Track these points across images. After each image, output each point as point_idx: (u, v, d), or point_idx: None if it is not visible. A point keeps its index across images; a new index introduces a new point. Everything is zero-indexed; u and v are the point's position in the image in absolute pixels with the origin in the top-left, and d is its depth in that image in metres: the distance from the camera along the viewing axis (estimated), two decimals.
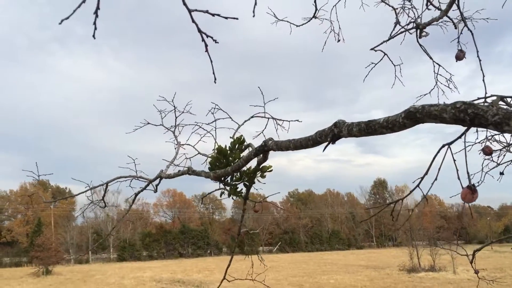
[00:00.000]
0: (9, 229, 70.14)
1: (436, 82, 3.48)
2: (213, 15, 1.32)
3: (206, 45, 1.36)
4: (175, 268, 48.22)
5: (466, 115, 1.26)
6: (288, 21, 4.59)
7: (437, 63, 3.43)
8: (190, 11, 1.27)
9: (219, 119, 4.07)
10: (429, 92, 3.50)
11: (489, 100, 2.04)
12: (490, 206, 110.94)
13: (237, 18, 1.36)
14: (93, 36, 1.11)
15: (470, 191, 1.66)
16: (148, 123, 5.07)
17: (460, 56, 3.11)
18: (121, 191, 65.49)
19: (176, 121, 4.91)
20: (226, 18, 1.33)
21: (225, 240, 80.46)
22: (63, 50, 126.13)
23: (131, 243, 69.93)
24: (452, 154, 1.81)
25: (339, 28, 3.99)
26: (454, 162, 1.83)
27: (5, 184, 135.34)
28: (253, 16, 1.72)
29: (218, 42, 1.38)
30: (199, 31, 1.34)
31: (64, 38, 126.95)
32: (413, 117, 1.47)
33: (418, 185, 1.84)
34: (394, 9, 3.56)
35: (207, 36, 1.36)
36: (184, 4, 1.23)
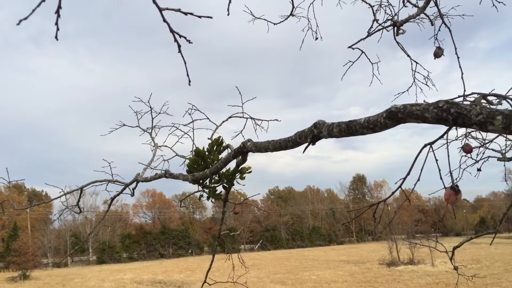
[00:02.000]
0: None
1: (414, 80, 3.48)
2: (185, 14, 1.25)
3: (179, 46, 1.30)
4: (156, 269, 47.80)
5: (449, 114, 1.23)
6: (265, 19, 4.54)
7: (415, 61, 3.44)
8: (160, 9, 1.20)
9: (196, 119, 4.00)
10: (407, 90, 3.50)
11: (469, 98, 2.03)
12: (466, 199, 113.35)
13: (211, 17, 1.30)
14: (56, 37, 1.04)
15: (454, 192, 1.64)
16: (124, 125, 4.95)
17: (438, 53, 3.11)
18: (99, 192, 64.72)
19: (152, 122, 4.82)
20: (200, 17, 1.26)
21: (206, 239, 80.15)
22: (38, 50, 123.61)
23: (111, 245, 69.01)
24: (434, 154, 1.78)
25: (317, 26, 3.97)
26: (436, 162, 1.80)
27: None
28: (228, 14, 1.66)
29: (191, 43, 1.32)
30: (171, 31, 1.27)
31: (39, 38, 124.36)
32: (394, 117, 1.43)
33: (400, 186, 1.81)
34: (371, 6, 3.55)
35: (180, 36, 1.30)
36: (154, 2, 1.16)
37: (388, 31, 3.48)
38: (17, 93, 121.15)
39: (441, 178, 1.76)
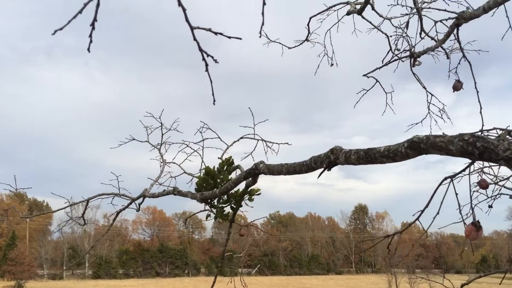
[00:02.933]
0: None
1: (429, 111, 3.48)
2: (216, 33, 1.26)
3: (206, 65, 1.30)
4: (152, 287, 47.21)
5: (474, 148, 1.22)
6: (280, 43, 4.58)
7: (430, 93, 3.44)
8: (192, 28, 1.21)
9: (207, 138, 3.99)
10: (421, 121, 3.49)
11: (490, 133, 2.02)
12: None
13: (240, 38, 1.31)
14: (88, 49, 1.04)
15: (475, 228, 1.61)
16: (134, 139, 4.96)
17: (457, 86, 3.12)
18: (100, 206, 64.50)
19: (162, 138, 4.81)
20: (230, 37, 1.27)
21: (204, 260, 79.30)
22: (48, 62, 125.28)
23: (107, 260, 68.40)
24: (454, 187, 1.76)
25: (333, 52, 4.00)
26: (456, 196, 1.77)
27: None
28: (260, 36, 1.67)
29: (218, 62, 1.33)
30: (200, 49, 1.28)
31: (51, 49, 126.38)
32: (416, 147, 1.42)
33: (417, 219, 1.78)
34: (388, 36, 3.58)
35: (208, 55, 1.31)
36: (187, 21, 1.17)
37: (403, 61, 3.50)
38: (24, 104, 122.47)
39: (460, 213, 1.73)
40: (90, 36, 1.00)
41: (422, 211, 1.73)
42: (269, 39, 4.71)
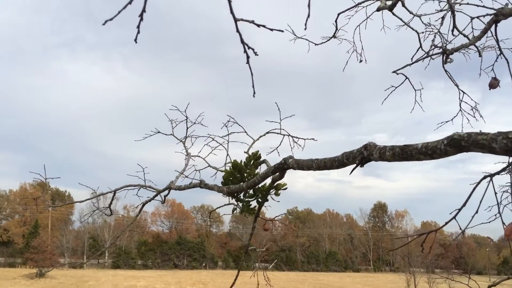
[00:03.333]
0: (6, 228, 69.79)
1: (460, 109, 3.41)
2: (258, 26, 1.27)
3: (248, 57, 1.30)
4: (169, 279, 47.76)
5: None
6: (307, 39, 4.54)
7: (462, 90, 3.37)
8: (236, 20, 1.21)
9: (233, 132, 4.00)
10: (451, 120, 3.43)
11: None
12: (489, 237, 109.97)
13: (282, 31, 1.31)
14: (135, 40, 1.05)
15: None
16: (159, 132, 5.00)
17: (494, 84, 3.05)
18: (120, 198, 65.36)
19: (187, 131, 4.84)
20: (272, 30, 1.27)
21: (221, 254, 79.80)
22: (72, 56, 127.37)
23: (127, 251, 69.42)
24: (493, 186, 1.72)
25: (362, 48, 3.95)
26: (496, 195, 1.74)
27: (5, 183, 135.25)
28: (305, 29, 1.66)
29: (258, 55, 1.33)
30: (242, 41, 1.28)
31: (74, 44, 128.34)
32: (457, 145, 1.39)
33: (454, 217, 1.74)
34: (418, 33, 3.52)
35: (249, 47, 1.31)
36: (232, 12, 1.18)
37: (433, 59, 3.44)
38: (45, 96, 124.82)
39: (499, 212, 1.69)
40: (138, 27, 1.01)
41: (460, 210, 1.70)
42: (295, 35, 4.68)
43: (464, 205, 1.68)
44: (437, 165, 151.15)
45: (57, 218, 74.40)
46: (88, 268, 63.12)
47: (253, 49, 1.29)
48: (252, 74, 1.34)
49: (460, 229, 1.77)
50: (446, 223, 1.71)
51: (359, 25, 3.89)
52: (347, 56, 4.90)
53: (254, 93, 1.36)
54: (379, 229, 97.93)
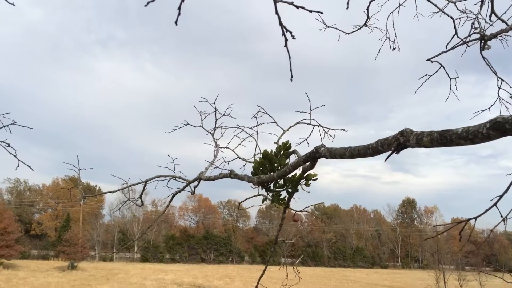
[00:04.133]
0: (39, 222, 71.91)
1: (498, 97, 3.30)
2: (297, 7, 1.25)
3: (286, 40, 1.29)
4: (197, 273, 48.30)
5: None
6: (337, 28, 4.47)
7: (500, 78, 3.25)
8: (275, 1, 1.20)
9: (263, 123, 3.99)
10: (488, 108, 3.32)
11: None
12: None
13: (321, 12, 1.29)
14: (176, 22, 1.06)
15: None
16: (188, 124, 5.03)
17: None
18: (148, 192, 66.34)
19: (216, 123, 4.85)
20: (311, 11, 1.26)
21: (248, 248, 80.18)
22: (104, 53, 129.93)
23: (155, 245, 70.55)
24: None
25: (395, 36, 3.85)
26: None
27: (38, 178, 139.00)
28: (347, 8, 1.63)
29: (295, 38, 1.32)
30: (280, 24, 1.27)
31: (106, 42, 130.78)
32: (501, 128, 1.34)
33: (495, 204, 1.69)
34: (453, 19, 3.41)
35: (287, 30, 1.30)
36: None
37: (469, 46, 3.33)
38: (80, 93, 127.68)
39: None
40: (179, 8, 1.01)
41: (501, 196, 1.63)
42: (325, 24, 4.61)
43: (506, 191, 1.62)
44: (468, 161, 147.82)
45: (88, 212, 76.19)
46: (118, 261, 64.46)
47: (290, 32, 1.28)
48: (290, 57, 1.32)
49: (501, 216, 1.70)
50: (486, 210, 1.65)
51: (392, 12, 3.80)
52: (374, 49, 4.81)
53: (292, 76, 1.35)
54: (408, 225, 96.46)
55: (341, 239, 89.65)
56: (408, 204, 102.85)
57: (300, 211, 3.86)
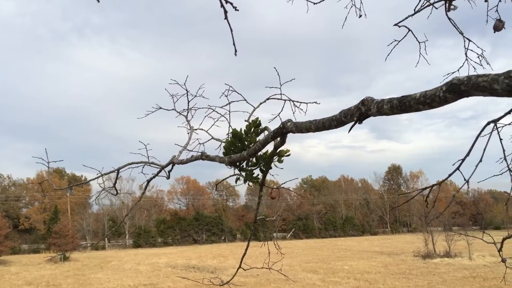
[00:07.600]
0: (27, 216, 71.31)
1: (466, 58, 3.25)
2: None
3: (225, 12, 1.20)
4: (190, 254, 48.63)
5: None
6: None
7: (467, 38, 3.20)
8: None
9: (233, 101, 3.90)
10: (458, 70, 3.28)
11: None
12: (506, 191, 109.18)
13: None
14: None
15: None
16: (160, 108, 4.92)
17: (498, 26, 2.88)
18: (135, 178, 66.12)
19: (188, 105, 4.75)
20: None
21: (239, 226, 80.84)
22: (81, 41, 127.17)
23: (146, 230, 70.64)
24: (498, 133, 1.62)
25: (361, 2, 3.76)
26: (501, 141, 1.64)
27: (22, 172, 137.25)
28: None
29: (238, 10, 1.23)
30: None
31: (82, 29, 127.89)
32: (456, 90, 1.29)
33: (458, 168, 1.65)
34: None
35: (226, 1, 1.20)
36: None
37: (436, 8, 3.27)
38: (59, 83, 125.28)
39: (505, 159, 1.60)
40: None
41: (463, 160, 1.60)
42: None
43: (467, 154, 1.58)
44: (449, 124, 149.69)
45: (76, 202, 75.70)
46: (110, 249, 64.49)
47: (231, 3, 1.19)
48: (231, 30, 1.24)
49: (464, 179, 1.68)
50: (450, 175, 1.62)
51: None
52: (351, 20, 4.71)
53: (236, 51, 1.27)
54: (395, 192, 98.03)
55: (331, 210, 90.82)
56: (394, 171, 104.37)
57: (276, 187, 3.82)
